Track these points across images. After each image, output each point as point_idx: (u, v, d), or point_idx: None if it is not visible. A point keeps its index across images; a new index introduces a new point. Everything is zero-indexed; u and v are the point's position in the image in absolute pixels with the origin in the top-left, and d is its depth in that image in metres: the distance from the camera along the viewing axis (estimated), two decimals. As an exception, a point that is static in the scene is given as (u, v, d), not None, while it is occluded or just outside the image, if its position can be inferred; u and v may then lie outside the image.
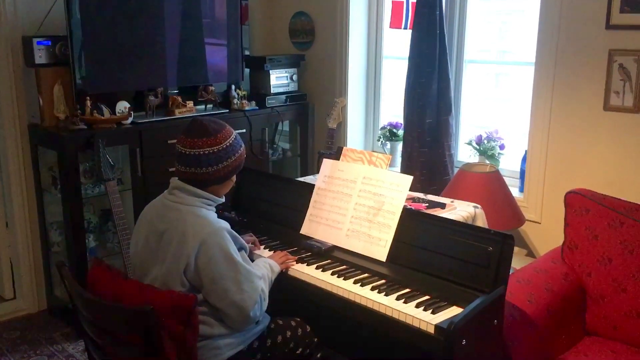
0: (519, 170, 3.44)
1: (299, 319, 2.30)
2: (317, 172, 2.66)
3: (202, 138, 2.01)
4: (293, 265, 2.31)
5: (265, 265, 2.22)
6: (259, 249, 2.46)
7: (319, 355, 2.30)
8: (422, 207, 2.71)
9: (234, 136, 2.09)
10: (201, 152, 2.00)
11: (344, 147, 2.65)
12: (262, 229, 2.65)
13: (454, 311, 1.96)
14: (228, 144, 2.05)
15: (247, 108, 3.90)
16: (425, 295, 2.06)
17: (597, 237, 2.47)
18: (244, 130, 3.80)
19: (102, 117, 3.28)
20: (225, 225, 2.03)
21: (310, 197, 2.56)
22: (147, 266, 2.06)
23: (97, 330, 1.91)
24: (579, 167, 3.08)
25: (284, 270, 2.28)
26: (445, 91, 3.48)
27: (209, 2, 3.86)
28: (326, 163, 2.59)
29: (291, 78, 4.16)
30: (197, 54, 3.77)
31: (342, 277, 2.21)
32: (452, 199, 2.86)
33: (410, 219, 2.29)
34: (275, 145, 4.31)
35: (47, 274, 3.61)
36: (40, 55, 3.20)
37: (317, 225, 2.51)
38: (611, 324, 2.41)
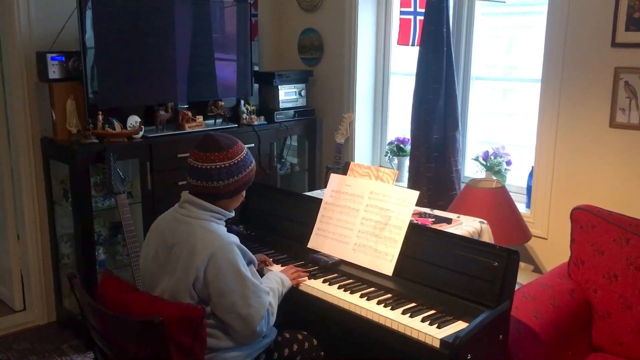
0: (525, 186, 3.45)
1: (305, 333, 2.31)
2: (325, 186, 2.68)
3: (215, 152, 2.05)
4: (305, 280, 2.32)
5: (276, 278, 2.24)
6: (272, 265, 2.48)
7: (325, 369, 2.31)
8: (428, 222, 2.72)
9: (245, 151, 2.13)
10: (213, 166, 2.04)
11: (352, 162, 2.67)
12: (269, 242, 2.67)
13: (459, 326, 1.97)
14: (239, 159, 2.08)
15: (255, 123, 3.94)
16: (430, 310, 2.08)
17: (603, 254, 2.48)
18: (253, 145, 3.83)
19: (114, 131, 3.33)
20: (235, 239, 2.05)
21: (318, 211, 2.59)
22: (156, 278, 2.08)
23: (107, 341, 1.94)
24: (585, 184, 3.10)
25: (295, 286, 2.30)
26: (452, 107, 3.51)
27: (219, 18, 3.92)
28: (334, 178, 2.61)
29: (300, 93, 4.20)
30: (207, 70, 3.82)
31: (349, 291, 2.23)
32: (458, 214, 2.87)
33: (416, 233, 2.31)
34: (283, 160, 4.35)
35: (56, 285, 3.64)
36: (54, 71, 3.26)
37: (324, 239, 2.53)
38: (617, 340, 2.41)
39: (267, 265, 2.46)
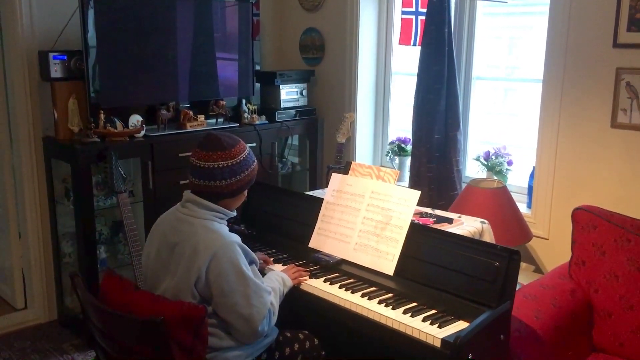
0: (526, 186, 3.45)
1: (306, 332, 2.31)
2: (326, 186, 2.69)
3: (217, 152, 2.05)
4: (306, 280, 2.32)
5: (277, 278, 2.24)
6: (271, 264, 2.49)
7: (326, 368, 2.32)
8: (429, 221, 2.73)
9: (248, 151, 2.13)
10: (215, 166, 2.04)
11: (353, 162, 2.68)
12: (270, 242, 2.68)
13: (460, 325, 1.97)
14: (242, 159, 2.09)
15: (257, 122, 3.95)
16: (431, 310, 2.08)
17: (604, 254, 2.48)
18: (254, 144, 3.84)
19: (115, 130, 3.34)
20: (237, 239, 2.05)
21: (319, 210, 2.59)
22: (158, 278, 2.09)
23: (108, 340, 1.94)
24: (587, 184, 3.10)
25: (296, 285, 2.30)
26: (453, 107, 3.51)
27: (220, 18, 3.92)
28: (335, 177, 2.62)
29: (301, 93, 4.21)
30: (208, 69, 3.83)
31: (350, 291, 2.23)
32: (459, 214, 2.87)
33: (417, 233, 2.31)
34: (284, 159, 4.35)
35: (58, 284, 3.64)
36: (56, 70, 3.27)
37: (325, 238, 2.54)
38: (618, 340, 2.41)
39: (267, 265, 2.47)
